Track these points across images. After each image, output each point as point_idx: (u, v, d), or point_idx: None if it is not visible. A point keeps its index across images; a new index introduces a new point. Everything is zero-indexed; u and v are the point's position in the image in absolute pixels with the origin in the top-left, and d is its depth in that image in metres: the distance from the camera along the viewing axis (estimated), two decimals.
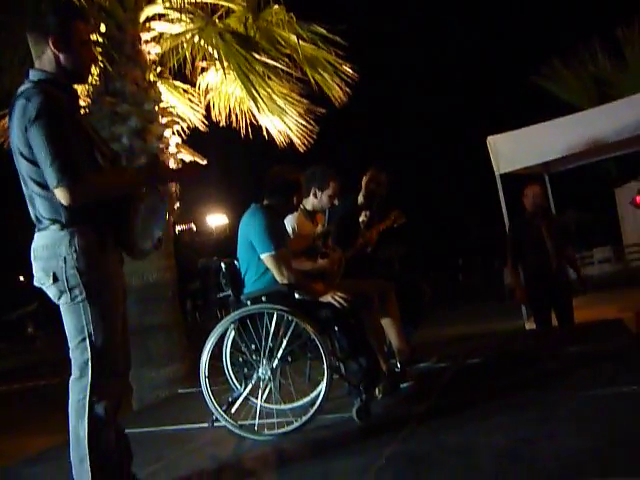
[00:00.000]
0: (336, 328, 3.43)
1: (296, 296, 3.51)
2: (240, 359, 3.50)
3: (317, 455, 2.94)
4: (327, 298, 3.45)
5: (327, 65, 5.80)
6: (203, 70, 6.53)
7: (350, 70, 5.89)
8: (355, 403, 3.31)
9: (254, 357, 3.42)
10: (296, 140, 6.30)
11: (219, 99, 6.57)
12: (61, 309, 2.51)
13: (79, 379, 2.46)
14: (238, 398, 3.44)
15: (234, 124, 6.61)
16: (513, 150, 7.16)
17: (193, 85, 6.61)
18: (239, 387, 3.59)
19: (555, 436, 2.62)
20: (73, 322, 2.48)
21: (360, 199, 4.81)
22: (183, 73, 6.42)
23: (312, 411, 3.24)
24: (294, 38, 5.64)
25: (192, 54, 6.26)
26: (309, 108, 6.15)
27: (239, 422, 3.36)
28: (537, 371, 3.91)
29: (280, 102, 5.94)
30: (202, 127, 6.83)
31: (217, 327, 3.42)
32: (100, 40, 5.61)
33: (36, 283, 2.52)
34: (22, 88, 2.44)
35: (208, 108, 6.71)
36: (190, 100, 6.72)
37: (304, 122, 6.20)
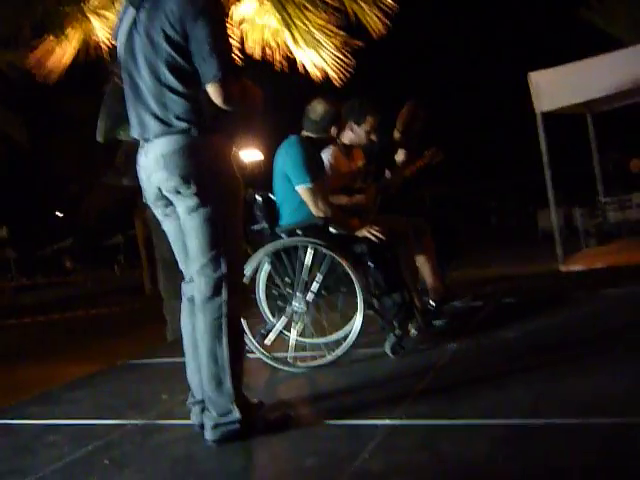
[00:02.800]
0: (371, 263, 3.40)
1: (331, 230, 3.47)
2: (274, 292, 3.51)
3: (350, 388, 2.96)
4: (363, 232, 3.42)
5: None
6: (237, 0, 6.35)
7: (390, 0, 5.66)
8: (388, 338, 3.31)
9: (288, 290, 3.43)
10: (332, 74, 6.13)
11: (253, 31, 6.39)
12: (190, 223, 2.36)
13: (212, 298, 2.35)
14: (272, 330, 3.47)
15: (268, 57, 6.46)
16: (555, 87, 6.91)
17: (226, 15, 6.44)
18: (272, 319, 3.62)
19: (591, 375, 2.59)
20: (206, 235, 2.34)
21: (396, 134, 4.70)
22: None
23: (346, 345, 3.25)
24: None
25: None
26: (346, 41, 5.96)
27: (273, 354, 3.39)
28: (573, 312, 3.87)
29: (316, 34, 5.76)
30: (235, 59, 6.70)
31: (252, 259, 3.41)
32: None
33: (167, 192, 2.37)
34: None
35: (241, 41, 6.56)
36: None
37: (341, 55, 6.02)
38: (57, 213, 33.61)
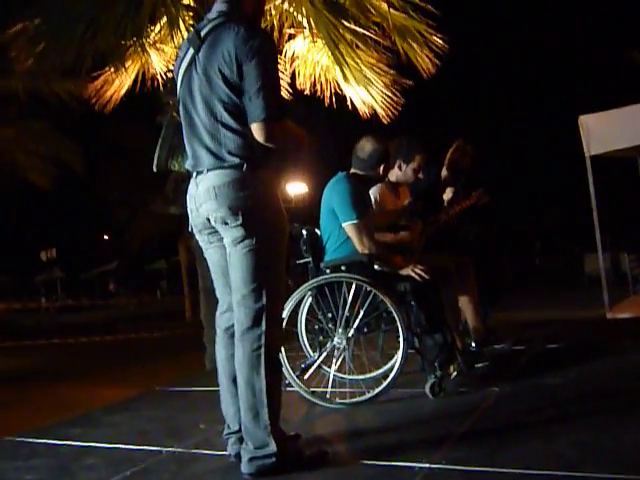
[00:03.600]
0: (413, 302, 3.39)
1: (375, 267, 3.48)
2: (316, 326, 3.52)
3: (388, 427, 2.93)
4: (407, 271, 3.41)
5: (417, 35, 5.64)
6: (290, 37, 6.49)
7: (440, 41, 5.72)
8: (429, 379, 3.27)
9: (330, 325, 3.43)
10: (380, 111, 6.19)
11: (305, 67, 6.52)
12: (235, 254, 2.41)
13: (251, 329, 2.38)
14: (312, 365, 3.46)
15: (318, 93, 6.56)
16: (605, 131, 6.84)
17: (279, 53, 6.59)
18: (312, 354, 3.61)
19: (636, 428, 2.51)
20: (250, 267, 2.39)
21: (444, 172, 4.71)
22: None
23: (386, 383, 3.23)
24: (385, 6, 5.51)
25: (280, 21, 6.23)
26: (395, 79, 6.02)
27: (311, 388, 3.39)
28: (619, 361, 3.77)
29: (367, 72, 5.84)
30: (286, 95, 6.83)
31: (295, 293, 3.43)
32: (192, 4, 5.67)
33: (215, 222, 2.44)
34: (218, 18, 2.46)
35: (293, 76, 6.69)
36: None
37: (389, 93, 6.09)
38: (104, 237, 34.42)
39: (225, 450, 2.58)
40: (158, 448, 2.86)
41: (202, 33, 2.50)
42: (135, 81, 6.27)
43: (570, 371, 3.58)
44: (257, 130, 2.33)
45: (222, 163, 2.41)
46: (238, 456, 2.45)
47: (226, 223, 2.40)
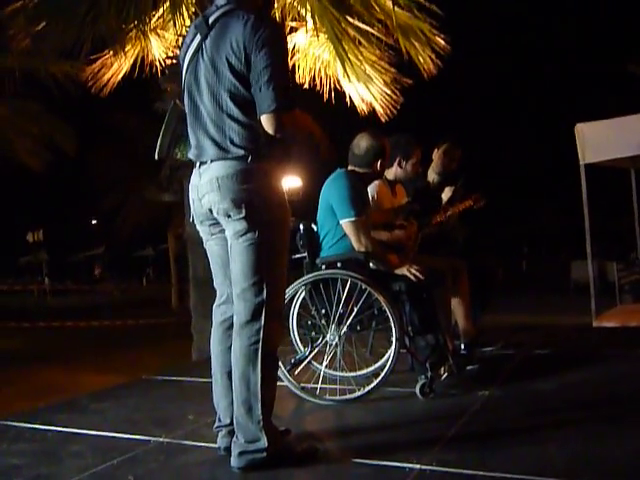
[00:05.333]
0: (407, 302, 3.39)
1: (371, 265, 3.47)
2: (309, 322, 3.51)
3: (378, 426, 2.93)
4: (402, 271, 3.41)
5: (420, 35, 5.62)
6: (292, 30, 6.46)
7: (443, 42, 5.71)
8: (419, 379, 3.27)
9: (323, 322, 3.42)
10: (379, 109, 6.18)
11: (305, 61, 6.49)
12: (236, 247, 2.39)
13: (250, 322, 2.36)
14: (303, 360, 3.46)
15: (317, 88, 6.54)
16: (601, 140, 6.87)
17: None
18: (303, 349, 3.61)
19: (628, 438, 2.52)
20: (251, 260, 2.37)
21: (431, 174, 4.71)
22: None
23: (377, 381, 3.23)
24: (389, 4, 5.48)
25: (282, 13, 6.20)
26: (396, 78, 6.01)
27: (301, 384, 3.38)
28: (607, 370, 3.79)
29: (368, 69, 5.82)
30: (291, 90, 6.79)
31: (290, 288, 3.42)
32: None
33: (218, 214, 2.41)
34: (227, 5, 2.42)
35: (292, 69, 6.66)
36: None
37: (389, 91, 6.08)
38: (93, 221, 34.19)
39: (214, 442, 2.57)
40: (146, 437, 2.85)
41: (210, 20, 2.46)
42: (133, 66, 6.22)
43: (558, 378, 3.60)
44: (267, 121, 2.30)
45: (226, 154, 2.38)
46: (228, 449, 2.44)
47: (229, 215, 2.38)
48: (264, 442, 2.33)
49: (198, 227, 2.61)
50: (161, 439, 2.81)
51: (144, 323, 12.69)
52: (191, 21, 5.73)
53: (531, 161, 29.04)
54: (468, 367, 3.80)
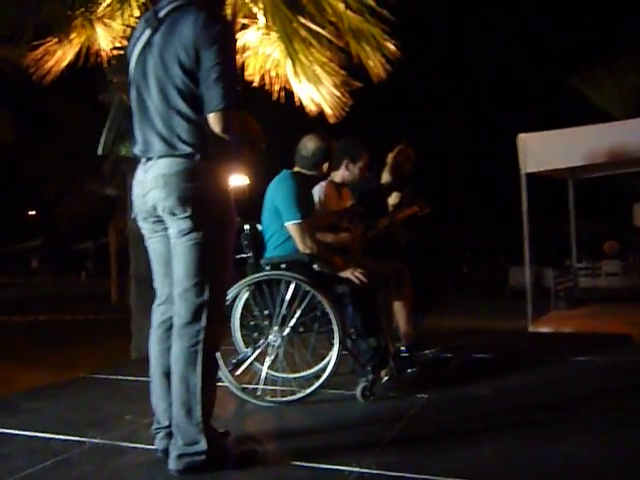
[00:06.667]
0: (351, 305, 3.40)
1: (315, 267, 3.47)
2: (252, 323, 3.49)
3: (319, 429, 2.93)
4: (346, 274, 3.42)
5: (371, 39, 5.69)
6: (243, 27, 6.42)
7: (393, 47, 5.78)
8: (360, 382, 3.29)
9: (265, 322, 3.41)
10: (328, 111, 6.21)
11: (255, 59, 6.46)
12: (180, 246, 2.34)
13: (190, 323, 2.32)
14: (244, 361, 3.44)
15: (266, 87, 6.51)
16: (542, 151, 7.06)
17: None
18: (244, 350, 3.58)
19: (561, 441, 2.60)
20: (194, 260, 2.33)
21: (386, 176, 4.76)
22: None
23: (318, 384, 3.23)
24: (342, 7, 5.53)
25: (234, 10, 6.14)
26: (346, 80, 6.05)
27: (242, 385, 3.35)
28: (541, 375, 3.89)
29: (318, 70, 5.84)
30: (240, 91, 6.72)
31: (233, 288, 3.39)
32: None
33: (162, 212, 2.36)
34: (178, 0, 2.38)
35: (242, 68, 6.60)
36: None
37: (339, 93, 6.11)
38: (30, 212, 33.11)
39: (152, 444, 2.52)
40: (81, 438, 2.77)
41: (160, 14, 2.42)
42: (78, 55, 6.05)
43: (495, 382, 3.68)
44: (214, 119, 2.28)
45: (173, 151, 2.34)
46: (166, 451, 2.39)
47: (174, 214, 2.34)
48: (203, 445, 2.30)
49: (140, 224, 2.55)
50: (97, 440, 2.75)
51: (82, 318, 12.38)
52: (140, 12, 5.63)
53: (474, 168, 29.72)
54: (408, 370, 3.85)
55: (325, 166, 3.70)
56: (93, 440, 2.75)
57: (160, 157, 2.36)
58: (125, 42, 6.05)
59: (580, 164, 7.19)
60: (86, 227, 24.51)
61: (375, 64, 5.85)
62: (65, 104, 16.81)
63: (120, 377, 4.16)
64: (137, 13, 5.66)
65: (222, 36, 2.31)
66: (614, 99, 10.82)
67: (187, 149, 2.33)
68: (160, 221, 2.44)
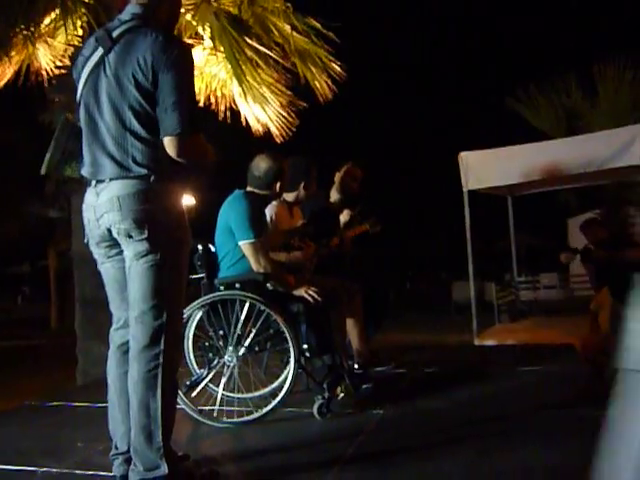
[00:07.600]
0: (305, 323, 3.42)
1: (269, 286, 3.48)
2: (206, 344, 3.46)
3: (278, 448, 2.93)
4: (300, 292, 3.45)
5: (317, 60, 5.77)
6: None
7: (339, 68, 5.88)
8: (317, 400, 3.31)
9: (220, 343, 3.39)
10: (274, 130, 6.24)
11: (201, 79, 6.45)
12: (136, 268, 2.31)
13: (149, 347, 2.28)
14: (199, 382, 3.40)
15: (212, 106, 6.51)
16: (482, 169, 7.26)
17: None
18: (199, 371, 3.55)
19: (516, 449, 2.68)
20: (151, 283, 2.30)
21: (334, 195, 4.82)
22: None
23: (275, 402, 3.23)
24: (288, 28, 5.59)
25: (179, 29, 6.13)
26: (292, 100, 6.10)
27: (198, 407, 3.32)
28: (494, 386, 3.99)
29: (265, 90, 5.88)
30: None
31: (187, 309, 3.36)
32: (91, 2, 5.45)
33: (118, 234, 2.32)
34: (133, 21, 2.38)
35: None
36: None
37: (285, 113, 6.16)
38: None
39: (108, 471, 2.47)
40: (32, 468, 2.69)
41: (114, 34, 2.40)
42: (18, 73, 5.92)
43: (448, 395, 3.75)
44: (170, 144, 2.28)
45: (127, 173, 2.31)
46: (125, 478, 2.35)
47: (130, 236, 2.31)
48: (164, 469, 2.27)
49: (93, 249, 2.50)
50: (49, 469, 2.67)
51: (21, 344, 11.94)
52: (83, 30, 5.55)
53: (417, 186, 30.32)
54: (363, 386, 3.87)
55: (277, 185, 3.72)
56: (45, 469, 2.67)
57: (112, 179, 2.33)
58: (67, 61, 5.96)
59: (517, 181, 7.41)
60: (23, 249, 23.73)
61: (321, 85, 5.93)
62: (3, 124, 16.32)
63: (68, 403, 4.04)
64: (80, 32, 5.58)
65: (181, 59, 2.31)
66: (549, 119, 11.23)
67: (142, 171, 2.31)
68: (114, 245, 2.41)
